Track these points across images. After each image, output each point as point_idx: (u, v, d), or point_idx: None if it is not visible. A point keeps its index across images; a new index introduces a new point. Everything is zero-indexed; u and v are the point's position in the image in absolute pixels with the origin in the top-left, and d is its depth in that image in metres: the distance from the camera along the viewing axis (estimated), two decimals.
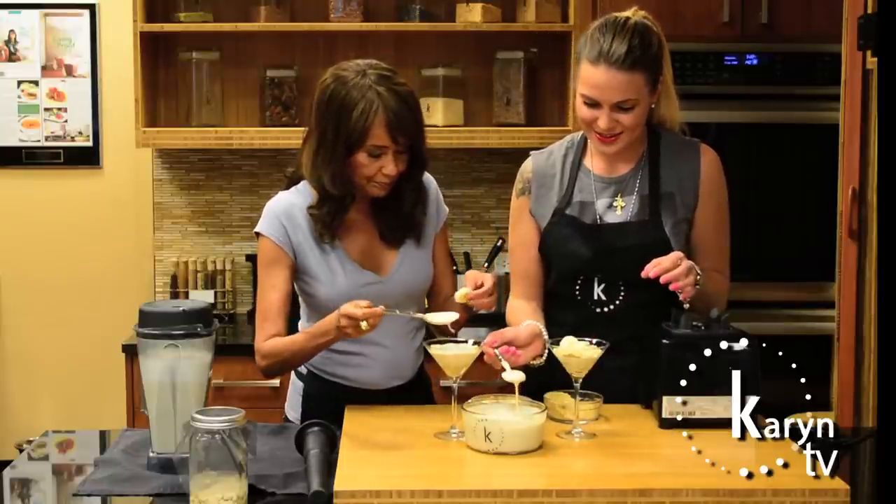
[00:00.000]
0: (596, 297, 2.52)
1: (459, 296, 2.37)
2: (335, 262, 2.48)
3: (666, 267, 2.30)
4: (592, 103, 2.43)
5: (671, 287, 2.29)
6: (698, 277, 2.34)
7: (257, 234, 2.51)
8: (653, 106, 2.49)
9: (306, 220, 2.48)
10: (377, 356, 2.53)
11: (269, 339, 2.46)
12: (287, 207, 2.49)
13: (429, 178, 2.59)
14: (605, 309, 2.51)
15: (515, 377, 2.24)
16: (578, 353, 2.25)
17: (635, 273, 2.35)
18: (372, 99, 2.37)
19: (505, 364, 2.28)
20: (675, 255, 2.33)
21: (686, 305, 2.35)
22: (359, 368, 2.52)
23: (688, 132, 2.59)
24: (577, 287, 2.52)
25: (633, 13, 2.48)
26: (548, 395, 2.35)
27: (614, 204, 2.53)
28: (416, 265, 2.55)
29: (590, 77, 2.42)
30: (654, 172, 2.53)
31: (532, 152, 2.66)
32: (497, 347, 2.29)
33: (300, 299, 2.58)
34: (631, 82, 2.40)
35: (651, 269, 2.30)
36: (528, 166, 2.63)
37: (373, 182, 2.43)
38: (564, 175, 2.57)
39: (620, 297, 2.50)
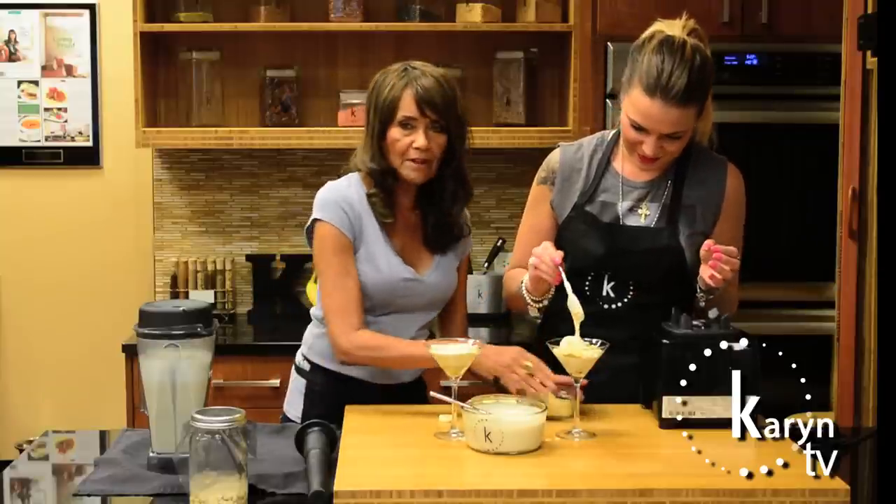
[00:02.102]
0: (605, 294, 2.53)
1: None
2: (384, 251, 2.51)
3: (730, 250, 2.31)
4: (640, 128, 2.43)
5: (710, 262, 2.30)
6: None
7: (315, 221, 2.51)
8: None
9: (362, 207, 2.51)
10: None
11: (356, 330, 2.46)
12: (344, 195, 2.52)
13: None
14: (613, 306, 2.52)
15: (580, 309, 2.28)
16: (578, 352, 2.24)
17: (645, 275, 2.36)
18: (403, 77, 2.47)
19: (568, 285, 2.28)
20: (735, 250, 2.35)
21: (702, 303, 2.38)
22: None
23: (715, 141, 2.58)
24: (588, 282, 2.53)
25: (683, 26, 2.42)
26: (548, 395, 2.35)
27: (639, 211, 2.54)
28: (448, 271, 2.61)
29: (643, 106, 2.39)
30: (680, 183, 2.53)
31: (561, 143, 2.67)
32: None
33: None
34: (684, 116, 2.40)
35: (713, 244, 2.31)
36: (555, 157, 2.64)
37: (407, 160, 2.47)
38: (591, 172, 2.58)
39: (629, 297, 2.51)
